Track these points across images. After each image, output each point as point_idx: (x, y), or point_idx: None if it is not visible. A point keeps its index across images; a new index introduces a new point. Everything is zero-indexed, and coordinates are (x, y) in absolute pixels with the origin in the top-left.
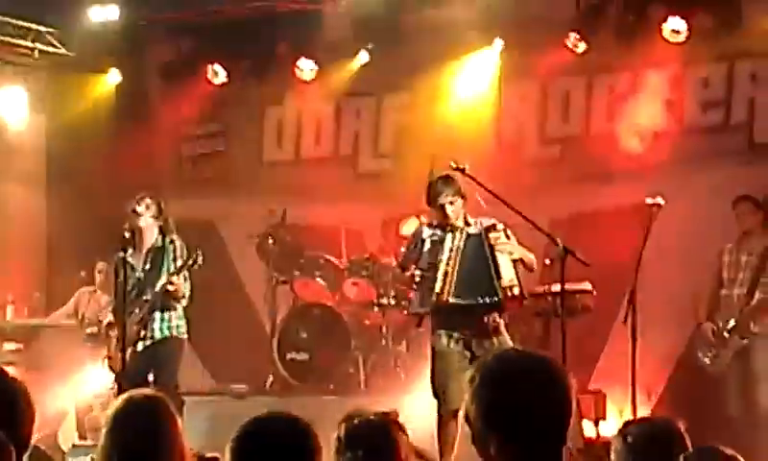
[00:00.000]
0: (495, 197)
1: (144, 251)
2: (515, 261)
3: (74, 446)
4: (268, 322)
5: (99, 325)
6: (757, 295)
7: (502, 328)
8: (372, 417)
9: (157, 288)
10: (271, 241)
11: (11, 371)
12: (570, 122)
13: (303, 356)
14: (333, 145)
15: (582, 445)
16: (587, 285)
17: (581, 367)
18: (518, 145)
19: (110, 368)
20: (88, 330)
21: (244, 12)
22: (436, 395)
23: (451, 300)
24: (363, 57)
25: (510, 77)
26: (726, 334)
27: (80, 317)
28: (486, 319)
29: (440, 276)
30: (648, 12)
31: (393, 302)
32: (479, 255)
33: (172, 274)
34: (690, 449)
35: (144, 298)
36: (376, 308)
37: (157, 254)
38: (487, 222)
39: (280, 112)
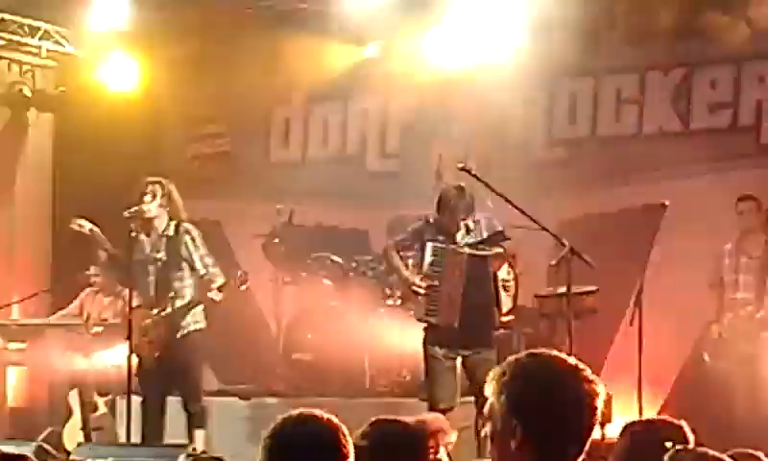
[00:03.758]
0: (502, 198)
1: (156, 236)
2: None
3: (79, 444)
4: (274, 322)
5: (104, 323)
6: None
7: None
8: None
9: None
10: (277, 241)
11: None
12: (577, 123)
13: (309, 357)
14: (340, 144)
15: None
16: (593, 287)
17: None
18: (525, 146)
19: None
20: (94, 330)
21: (250, 10)
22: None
23: (454, 324)
24: (370, 51)
25: (519, 78)
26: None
27: (85, 317)
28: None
29: (443, 299)
30: (655, 14)
31: (398, 303)
32: (484, 288)
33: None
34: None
35: (171, 294)
36: (382, 309)
37: (171, 243)
38: (485, 221)
39: (287, 112)
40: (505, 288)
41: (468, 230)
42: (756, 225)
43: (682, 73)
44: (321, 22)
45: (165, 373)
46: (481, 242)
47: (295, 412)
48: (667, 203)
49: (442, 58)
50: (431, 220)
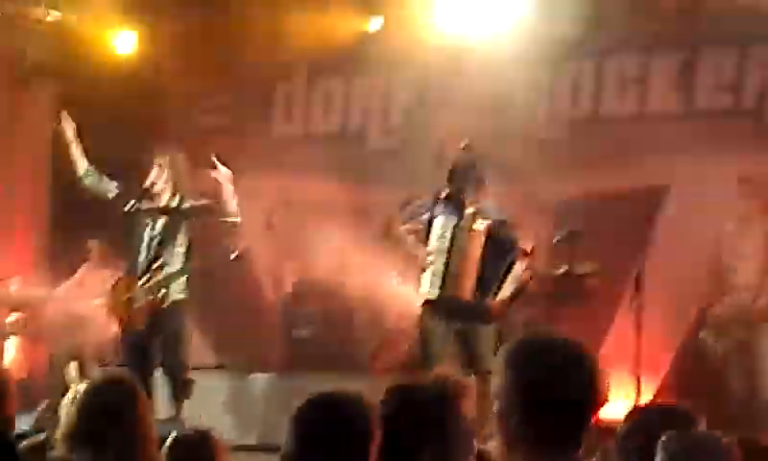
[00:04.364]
0: (506, 178)
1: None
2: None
3: None
4: (273, 298)
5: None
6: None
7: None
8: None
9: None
10: (278, 217)
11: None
12: (579, 103)
13: (307, 334)
14: (342, 120)
15: None
16: (593, 267)
17: None
18: (527, 126)
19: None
20: (95, 302)
21: None
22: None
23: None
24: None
25: (522, 58)
26: (732, 322)
27: (85, 290)
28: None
29: (453, 274)
30: None
31: (399, 280)
32: (490, 267)
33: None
34: None
35: (160, 263)
36: (382, 286)
37: (172, 217)
38: (493, 207)
39: (289, 87)
40: (515, 282)
41: (477, 211)
42: (756, 207)
43: (685, 54)
44: None
45: (152, 343)
46: (492, 223)
47: (326, 391)
48: (669, 184)
49: (445, 34)
50: (441, 195)
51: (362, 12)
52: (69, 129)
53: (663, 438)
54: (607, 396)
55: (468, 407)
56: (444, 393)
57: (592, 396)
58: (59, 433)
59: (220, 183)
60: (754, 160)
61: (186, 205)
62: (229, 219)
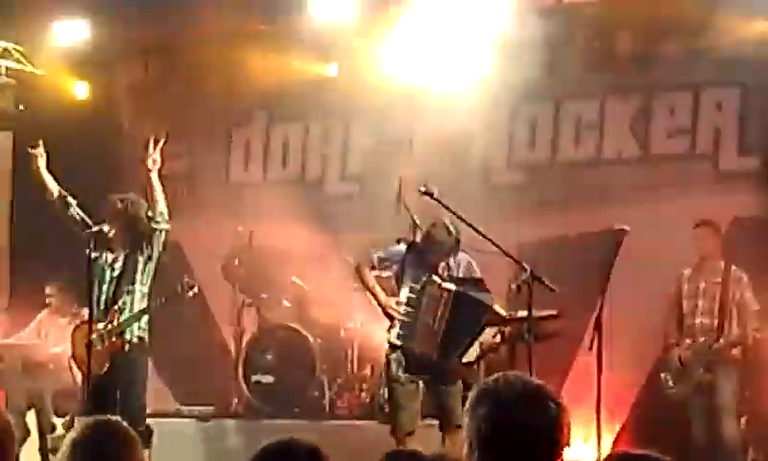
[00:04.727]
0: (464, 222)
1: (114, 253)
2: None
3: None
4: (233, 344)
5: (62, 344)
6: (726, 331)
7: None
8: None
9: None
10: (237, 263)
11: None
12: (536, 148)
13: (269, 379)
14: (300, 168)
15: None
16: (553, 311)
17: None
18: (485, 170)
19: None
20: (53, 350)
21: (212, 32)
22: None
23: (433, 356)
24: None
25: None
26: (692, 363)
27: (43, 337)
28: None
29: (422, 328)
30: (615, 40)
31: (359, 325)
32: (466, 327)
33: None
34: None
35: (121, 302)
36: (343, 332)
37: (128, 258)
38: (465, 263)
39: (248, 133)
40: (482, 346)
41: (447, 266)
42: (713, 250)
43: (641, 99)
44: (282, 42)
45: (112, 389)
46: (463, 279)
47: (277, 439)
48: (627, 228)
49: (402, 79)
50: (411, 244)
51: (319, 59)
52: (41, 156)
53: None
54: (569, 437)
55: None
56: None
57: (557, 437)
58: None
59: (151, 183)
60: (710, 202)
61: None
62: (160, 226)
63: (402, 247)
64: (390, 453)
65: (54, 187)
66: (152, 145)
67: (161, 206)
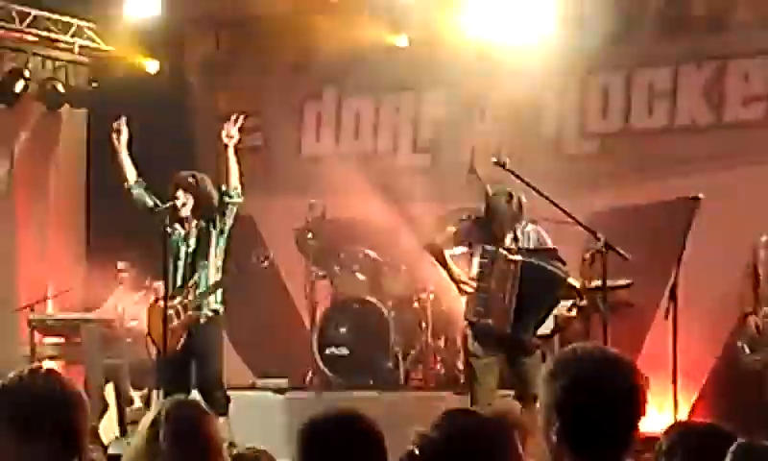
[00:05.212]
0: (537, 192)
1: (187, 229)
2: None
3: (116, 438)
4: (307, 317)
5: (138, 318)
6: None
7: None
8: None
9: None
10: (310, 236)
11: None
12: (609, 117)
13: (343, 351)
14: (372, 139)
15: None
16: (627, 281)
17: None
18: (557, 140)
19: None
20: (129, 324)
21: (282, 4)
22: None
23: (506, 330)
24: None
25: (550, 71)
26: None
27: (120, 311)
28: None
29: (494, 302)
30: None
31: (432, 297)
32: (538, 299)
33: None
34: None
35: (196, 277)
36: (417, 303)
37: (202, 236)
38: (534, 233)
39: (320, 106)
40: (557, 319)
41: (515, 238)
42: None
43: (715, 66)
44: (353, 13)
45: (187, 363)
46: (534, 251)
47: (331, 409)
48: (701, 196)
49: (473, 45)
50: (477, 219)
51: (390, 29)
52: (124, 135)
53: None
54: (646, 406)
55: (528, 446)
56: (502, 428)
57: (634, 405)
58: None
59: (227, 157)
60: None
61: (215, 223)
62: (233, 200)
63: (466, 222)
64: (446, 412)
65: (131, 174)
66: (232, 121)
67: (234, 180)
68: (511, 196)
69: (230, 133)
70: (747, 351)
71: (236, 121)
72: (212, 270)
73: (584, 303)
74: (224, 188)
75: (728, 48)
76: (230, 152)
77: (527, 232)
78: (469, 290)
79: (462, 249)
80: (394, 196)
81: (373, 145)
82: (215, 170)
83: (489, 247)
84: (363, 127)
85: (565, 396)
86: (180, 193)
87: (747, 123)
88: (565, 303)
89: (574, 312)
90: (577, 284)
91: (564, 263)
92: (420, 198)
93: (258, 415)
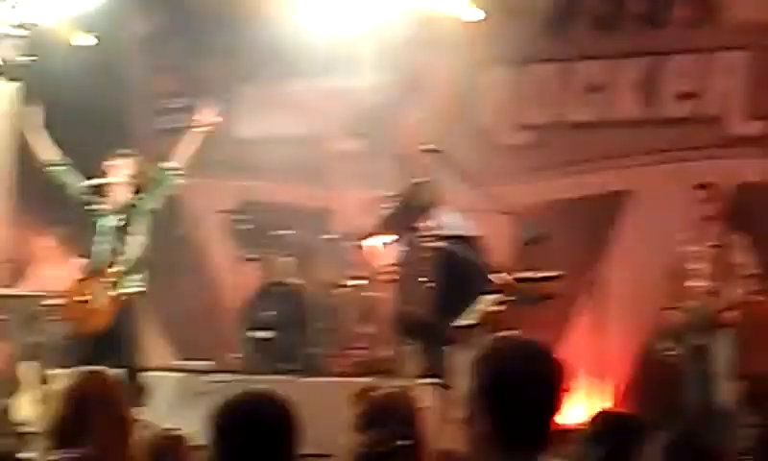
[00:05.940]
0: (467, 181)
1: (116, 208)
2: None
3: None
4: (234, 299)
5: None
6: (724, 293)
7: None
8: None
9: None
10: (239, 218)
11: None
12: (544, 109)
13: (268, 335)
14: (304, 123)
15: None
16: (555, 272)
17: None
18: (491, 130)
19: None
20: (53, 302)
21: None
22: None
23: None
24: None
25: (486, 62)
26: (688, 327)
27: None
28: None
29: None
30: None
31: (360, 283)
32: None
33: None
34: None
35: (120, 255)
36: (343, 289)
37: (131, 214)
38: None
39: (252, 88)
40: (482, 312)
41: (438, 226)
42: (714, 213)
43: (649, 62)
44: None
45: (107, 342)
46: (457, 238)
47: (244, 391)
48: (630, 190)
49: (410, 32)
50: (399, 206)
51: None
52: (38, 114)
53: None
54: (568, 393)
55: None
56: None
57: (556, 392)
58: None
59: (183, 139)
60: (714, 166)
61: (146, 201)
62: (168, 180)
63: (388, 211)
64: (361, 391)
65: (50, 153)
66: (210, 111)
67: (177, 161)
68: (423, 186)
69: (203, 120)
70: (666, 346)
71: (207, 111)
72: (137, 248)
73: (511, 297)
74: (164, 166)
75: (663, 45)
76: (190, 136)
77: (451, 220)
78: (394, 277)
79: (392, 237)
80: (324, 180)
81: (305, 129)
82: (150, 148)
83: (409, 234)
84: (295, 110)
85: (488, 383)
86: (112, 170)
87: (679, 120)
88: (493, 297)
89: (501, 307)
90: (503, 276)
91: (484, 251)
92: (352, 183)
93: (181, 397)
